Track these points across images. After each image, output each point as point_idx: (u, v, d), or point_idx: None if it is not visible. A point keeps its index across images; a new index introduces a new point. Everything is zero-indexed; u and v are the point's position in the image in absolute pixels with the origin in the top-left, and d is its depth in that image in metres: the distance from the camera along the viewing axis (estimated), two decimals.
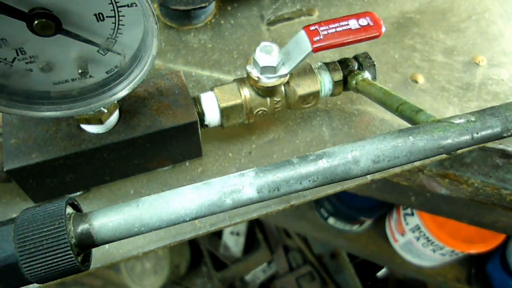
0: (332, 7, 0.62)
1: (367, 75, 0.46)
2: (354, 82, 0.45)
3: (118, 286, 1.57)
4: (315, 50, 0.39)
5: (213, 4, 0.59)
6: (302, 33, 0.39)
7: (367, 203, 1.38)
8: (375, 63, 0.47)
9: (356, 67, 0.46)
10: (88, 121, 0.38)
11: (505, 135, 0.28)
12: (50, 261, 0.24)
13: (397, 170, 0.52)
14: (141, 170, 0.47)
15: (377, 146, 0.27)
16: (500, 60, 0.58)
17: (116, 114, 0.41)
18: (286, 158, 0.27)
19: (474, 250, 1.27)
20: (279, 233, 1.73)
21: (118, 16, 0.32)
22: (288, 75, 0.43)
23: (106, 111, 0.38)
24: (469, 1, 0.64)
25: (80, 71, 0.34)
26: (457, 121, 0.28)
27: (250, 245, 1.72)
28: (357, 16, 0.39)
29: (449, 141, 0.28)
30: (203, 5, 0.56)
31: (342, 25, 0.39)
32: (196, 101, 0.44)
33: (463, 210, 0.93)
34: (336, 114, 0.53)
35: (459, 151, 0.32)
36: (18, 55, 0.32)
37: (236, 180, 0.26)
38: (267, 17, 0.61)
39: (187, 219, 0.26)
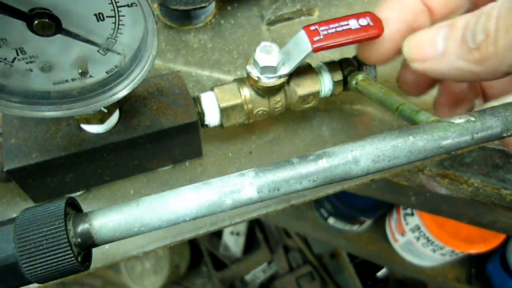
0: (332, 7, 0.62)
1: (367, 75, 0.46)
2: (354, 82, 0.45)
3: (118, 286, 1.57)
4: (315, 50, 0.39)
5: (213, 4, 0.59)
6: (302, 33, 0.39)
7: (367, 203, 1.38)
8: None
9: (356, 67, 0.46)
10: (88, 121, 0.38)
11: (505, 135, 0.28)
12: (50, 261, 0.24)
13: (397, 170, 0.53)
14: (141, 170, 0.47)
15: (377, 146, 0.27)
16: None
17: (116, 114, 0.41)
18: (286, 158, 0.27)
19: (474, 250, 1.27)
20: (279, 233, 1.73)
21: (118, 16, 0.32)
22: (288, 75, 0.43)
23: (106, 111, 0.38)
24: None
25: (80, 71, 0.34)
26: (457, 121, 0.28)
27: (250, 245, 1.72)
28: (357, 16, 0.39)
29: (449, 141, 0.28)
30: (203, 5, 0.56)
31: (342, 25, 0.39)
32: (196, 101, 0.44)
33: (463, 210, 0.93)
34: (336, 114, 0.53)
35: (459, 151, 0.32)
36: (18, 55, 0.32)
37: (236, 180, 0.26)
38: (267, 17, 0.61)
39: (187, 219, 0.26)
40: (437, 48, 0.32)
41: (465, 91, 0.39)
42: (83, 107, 0.36)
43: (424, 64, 0.33)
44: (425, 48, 0.33)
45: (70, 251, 0.24)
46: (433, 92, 0.55)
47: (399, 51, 0.37)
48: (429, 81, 0.41)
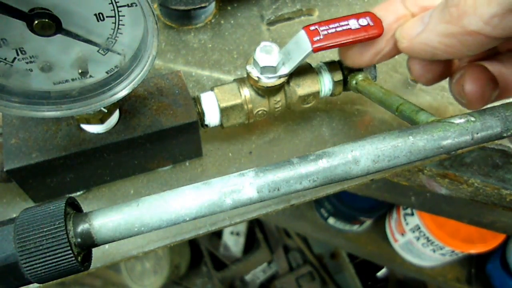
0: (332, 7, 0.62)
1: (367, 75, 0.46)
2: (354, 82, 0.45)
3: (118, 286, 1.57)
4: (315, 50, 0.39)
5: (213, 4, 0.59)
6: (302, 33, 0.39)
7: (367, 203, 1.38)
8: None
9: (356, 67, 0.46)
10: (88, 121, 0.38)
11: (505, 135, 0.28)
12: (50, 261, 0.24)
13: (397, 170, 0.53)
14: (141, 170, 0.47)
15: (377, 146, 0.27)
16: None
17: (116, 114, 0.41)
18: (286, 158, 0.27)
19: (474, 250, 1.28)
20: (279, 233, 1.73)
21: (118, 16, 0.32)
22: (288, 75, 0.43)
23: (106, 111, 0.38)
24: None
25: (80, 71, 0.34)
26: (457, 121, 0.28)
27: (250, 245, 1.72)
28: (357, 16, 0.39)
29: (449, 141, 0.28)
30: (203, 5, 0.56)
31: (342, 25, 0.39)
32: (196, 101, 0.44)
33: (463, 210, 0.93)
34: (336, 114, 0.53)
35: (459, 151, 0.32)
36: (18, 55, 0.32)
37: (236, 180, 0.26)
38: (267, 17, 0.61)
39: (187, 219, 0.26)
40: (424, 22, 0.34)
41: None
42: (83, 107, 0.36)
43: (412, 40, 0.36)
44: (414, 25, 0.36)
45: (70, 251, 0.24)
46: (434, 91, 0.55)
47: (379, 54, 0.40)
48: (438, 69, 0.41)
